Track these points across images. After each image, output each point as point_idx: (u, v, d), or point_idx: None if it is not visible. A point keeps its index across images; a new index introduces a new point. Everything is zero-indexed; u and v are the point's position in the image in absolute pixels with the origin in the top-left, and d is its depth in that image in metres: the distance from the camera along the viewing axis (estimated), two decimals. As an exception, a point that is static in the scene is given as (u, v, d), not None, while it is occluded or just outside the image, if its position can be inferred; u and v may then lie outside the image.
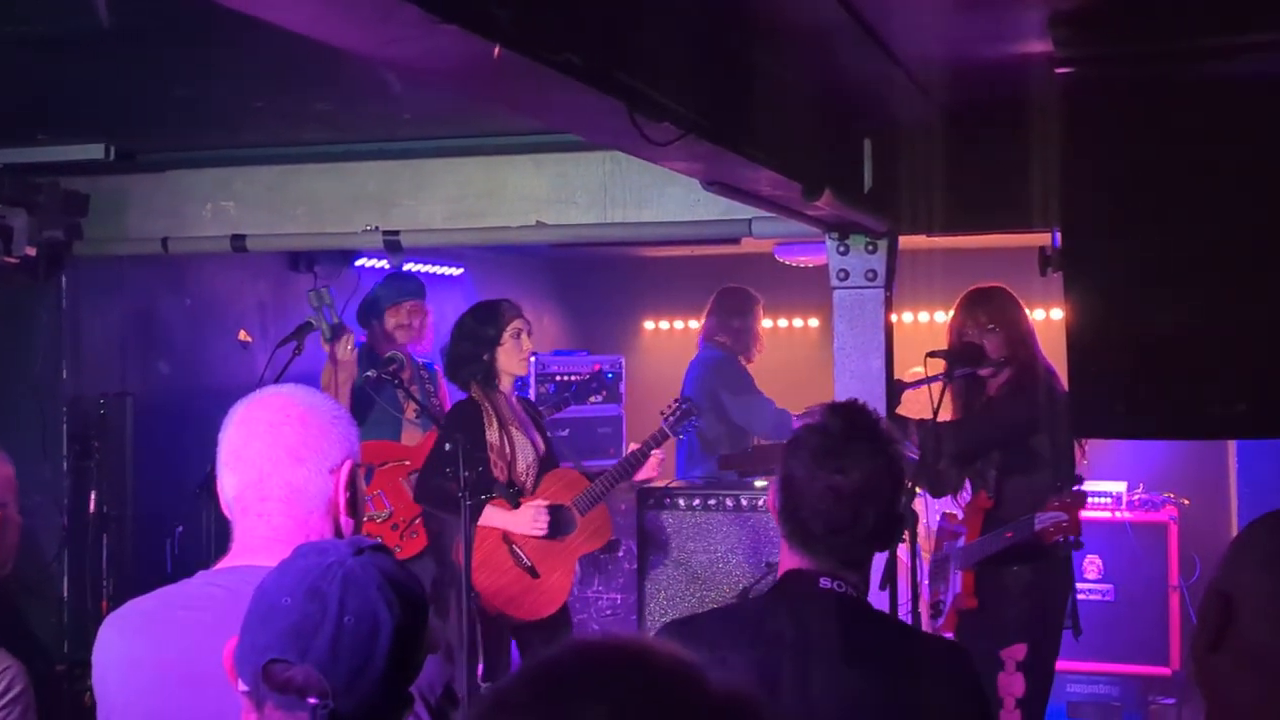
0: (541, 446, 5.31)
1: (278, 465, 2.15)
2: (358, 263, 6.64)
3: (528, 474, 5.20)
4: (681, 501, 5.94)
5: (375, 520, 5.57)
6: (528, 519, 5.12)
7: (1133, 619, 6.64)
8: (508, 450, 5.14)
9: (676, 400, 5.72)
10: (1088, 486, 4.73)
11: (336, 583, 1.70)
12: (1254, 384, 3.05)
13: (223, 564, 2.20)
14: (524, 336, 5.25)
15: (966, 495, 5.04)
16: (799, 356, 8.26)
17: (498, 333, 5.21)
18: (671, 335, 9.73)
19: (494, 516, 5.10)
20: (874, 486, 2.36)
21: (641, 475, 5.56)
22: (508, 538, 5.18)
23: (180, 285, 6.20)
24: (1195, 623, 1.80)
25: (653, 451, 5.49)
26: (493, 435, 5.11)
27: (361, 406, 5.70)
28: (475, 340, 5.21)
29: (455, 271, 8.00)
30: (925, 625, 5.03)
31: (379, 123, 4.80)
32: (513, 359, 5.23)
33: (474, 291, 8.17)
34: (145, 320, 6.03)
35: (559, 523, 5.21)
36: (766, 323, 7.43)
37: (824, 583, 2.36)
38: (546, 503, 5.17)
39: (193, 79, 4.02)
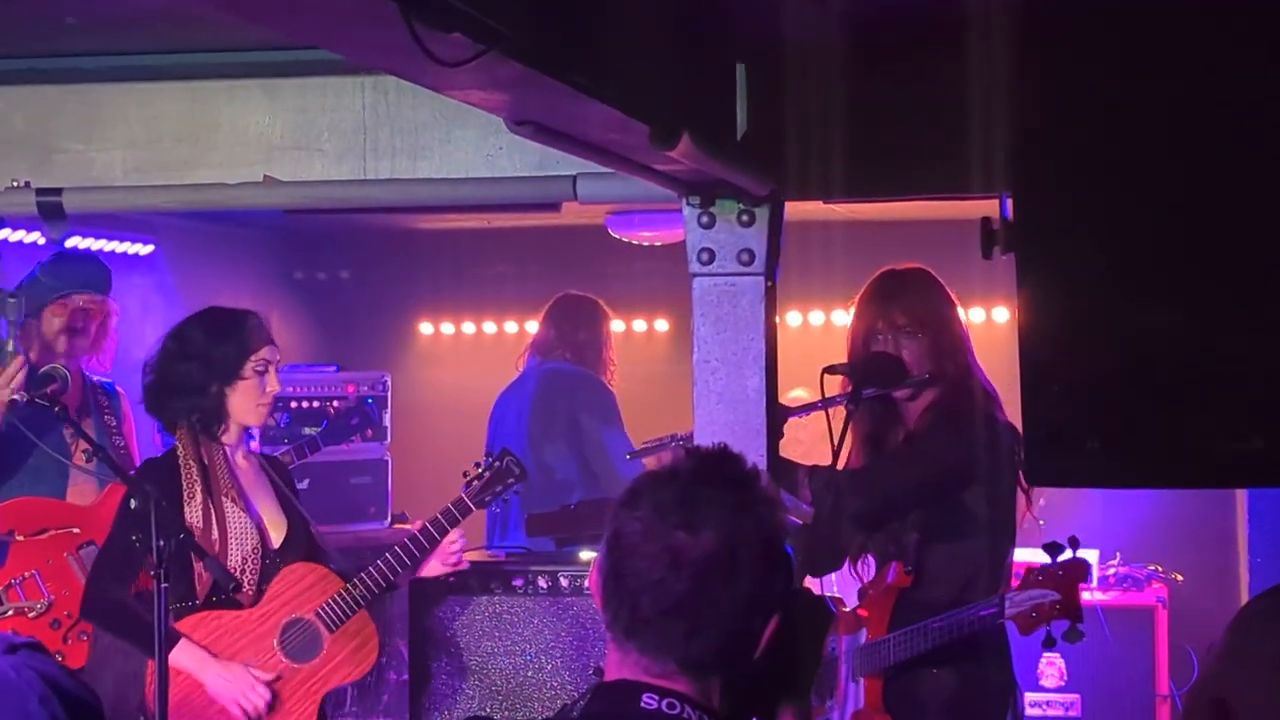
0: (275, 530, 5.18)
1: None
2: (-2, 234, 6.52)
3: (246, 569, 5.03)
4: (474, 583, 5.93)
5: (28, 615, 5.48)
6: (238, 688, 4.98)
7: (1107, 741, 6.84)
8: (215, 534, 4.97)
9: (488, 455, 5.59)
10: (1038, 557, 4.79)
11: (-18, 695, 1.70)
12: (1275, 412, 3.16)
13: None
14: (271, 374, 5.13)
15: (869, 569, 5.09)
16: (641, 373, 8.32)
17: (238, 360, 5.08)
18: (458, 343, 9.72)
19: (186, 657, 4.94)
20: (730, 555, 2.38)
21: (428, 571, 5.42)
22: None
23: None
24: None
25: (450, 532, 5.35)
26: (193, 512, 4.96)
27: (11, 448, 5.59)
28: (205, 364, 5.07)
29: (143, 250, 7.88)
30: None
31: (30, 29, 4.73)
32: (248, 403, 5.11)
33: (168, 279, 8.06)
34: None
35: (295, 654, 5.11)
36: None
37: (648, 701, 2.37)
38: (270, 677, 5.05)
39: None
